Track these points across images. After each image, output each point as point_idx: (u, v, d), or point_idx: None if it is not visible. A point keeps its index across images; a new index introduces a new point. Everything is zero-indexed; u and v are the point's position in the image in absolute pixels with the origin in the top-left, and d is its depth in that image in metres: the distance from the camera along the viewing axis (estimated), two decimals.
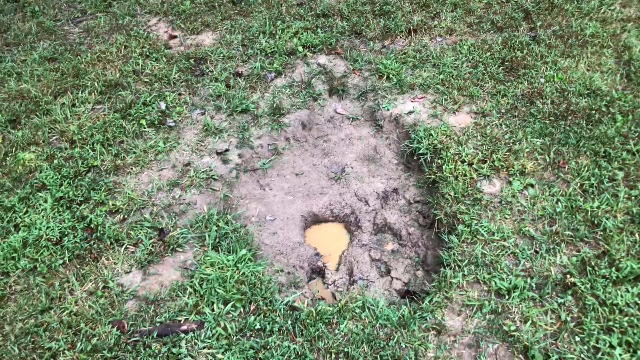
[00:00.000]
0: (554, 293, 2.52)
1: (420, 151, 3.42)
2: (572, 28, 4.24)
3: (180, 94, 3.99)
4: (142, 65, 4.27)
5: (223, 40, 4.54)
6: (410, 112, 3.71)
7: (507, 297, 2.52)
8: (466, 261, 2.71)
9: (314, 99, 4.01)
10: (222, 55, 4.35)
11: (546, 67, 3.88)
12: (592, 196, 2.95)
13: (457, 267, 2.70)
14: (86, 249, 2.84)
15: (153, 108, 3.81)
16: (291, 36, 4.50)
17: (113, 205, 3.07)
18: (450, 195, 3.06)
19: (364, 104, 3.98)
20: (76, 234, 2.90)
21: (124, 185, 3.22)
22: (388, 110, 3.80)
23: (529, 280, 2.58)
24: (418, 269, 3.02)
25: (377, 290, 2.91)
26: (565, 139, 3.30)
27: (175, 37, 4.66)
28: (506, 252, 2.73)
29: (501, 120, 3.51)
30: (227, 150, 3.54)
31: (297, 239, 3.20)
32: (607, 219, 2.79)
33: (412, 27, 4.48)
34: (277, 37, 4.50)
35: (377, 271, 3.05)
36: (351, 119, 3.94)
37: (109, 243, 2.87)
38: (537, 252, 2.72)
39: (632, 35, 4.10)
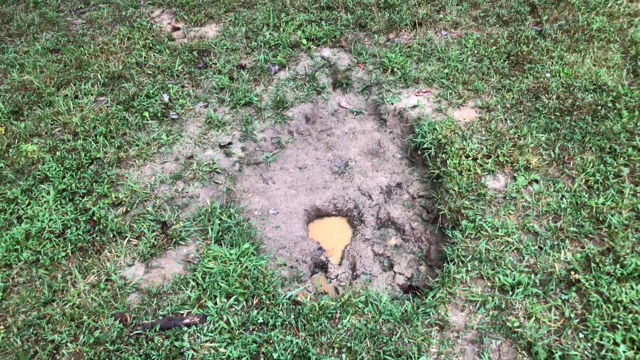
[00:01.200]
0: (558, 289, 2.51)
1: (425, 146, 3.40)
2: (578, 22, 4.19)
3: (183, 87, 3.97)
4: (145, 57, 4.24)
5: (226, 32, 4.51)
6: (414, 106, 3.69)
7: (510, 293, 2.51)
8: (470, 257, 2.70)
9: (317, 92, 3.99)
10: (225, 47, 4.32)
11: (552, 62, 3.85)
12: (597, 192, 2.93)
13: (460, 263, 2.69)
14: (89, 241, 2.84)
15: (156, 100, 3.79)
16: (295, 29, 4.47)
17: (116, 197, 3.06)
18: (454, 190, 3.05)
19: (368, 98, 3.95)
20: (79, 227, 2.89)
21: (126, 177, 3.21)
22: (392, 104, 3.78)
23: (533, 276, 2.56)
24: (421, 264, 3.01)
25: (380, 285, 2.90)
26: (571, 134, 3.28)
27: (178, 28, 4.63)
28: (510, 248, 2.72)
29: (506, 115, 3.48)
30: (230, 143, 3.52)
31: (300, 233, 3.19)
32: (612, 215, 2.77)
33: (417, 21, 4.44)
34: (281, 29, 4.47)
35: (380, 266, 3.04)
36: (355, 113, 3.92)
37: (111, 236, 2.86)
38: (541, 248, 2.71)
39: (639, 30, 4.06)
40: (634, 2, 4.42)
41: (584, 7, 4.39)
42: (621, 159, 3.07)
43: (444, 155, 3.26)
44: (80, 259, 2.77)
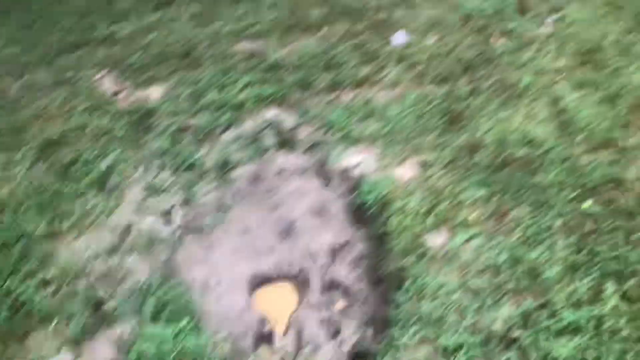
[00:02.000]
0: (498, 349, 2.52)
1: (368, 204, 3.44)
2: (508, 80, 4.46)
3: (124, 151, 3.90)
4: (85, 121, 4.16)
5: (171, 93, 4.51)
6: (357, 165, 3.76)
7: (452, 357, 2.49)
8: (414, 319, 2.68)
9: (262, 152, 4.00)
10: (169, 110, 4.31)
11: (486, 119, 4.04)
12: (532, 246, 3.01)
13: (404, 326, 2.67)
14: (12, 326, 2.64)
15: (95, 167, 3.69)
16: (241, 89, 4.52)
17: (44, 277, 2.89)
18: (396, 249, 3.07)
19: (312, 157, 4.00)
20: (1, 311, 2.69)
21: (57, 254, 3.05)
22: (336, 163, 3.84)
23: (474, 336, 2.57)
24: (368, 328, 2.97)
25: (327, 353, 2.83)
26: (506, 188, 3.40)
27: (121, 91, 4.60)
28: (452, 307, 2.73)
29: (445, 171, 3.59)
30: (171, 208, 3.45)
31: (243, 303, 3.10)
32: (546, 269, 2.85)
33: (359, 81, 4.60)
34: (226, 90, 4.52)
35: (327, 332, 2.97)
36: (300, 173, 3.95)
37: (38, 319, 2.68)
38: (481, 306, 2.73)
39: (563, 86, 4.34)
40: (559, 58, 4.73)
41: (514, 66, 4.68)
42: (553, 211, 3.20)
43: (385, 214, 3.30)
44: (1, 347, 2.56)
